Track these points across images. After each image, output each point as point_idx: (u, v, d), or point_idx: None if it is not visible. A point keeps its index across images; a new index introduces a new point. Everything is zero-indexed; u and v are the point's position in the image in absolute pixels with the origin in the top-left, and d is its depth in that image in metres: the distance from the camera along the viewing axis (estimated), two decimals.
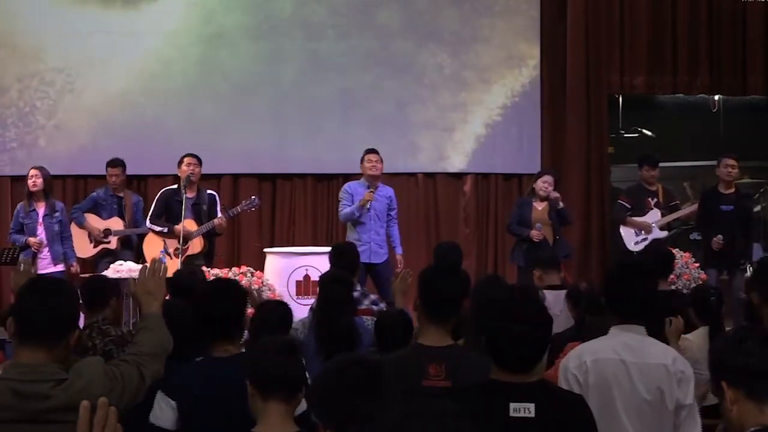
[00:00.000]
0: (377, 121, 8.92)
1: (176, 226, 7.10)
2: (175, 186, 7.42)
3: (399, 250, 7.41)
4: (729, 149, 7.99)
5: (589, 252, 9.11)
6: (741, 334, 2.12)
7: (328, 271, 4.81)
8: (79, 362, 2.53)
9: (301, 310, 5.12)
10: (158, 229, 7.29)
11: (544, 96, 9.26)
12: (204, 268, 6.46)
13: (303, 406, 2.62)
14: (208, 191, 7.52)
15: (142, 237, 7.55)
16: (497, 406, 2.47)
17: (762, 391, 2.02)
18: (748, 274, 8.39)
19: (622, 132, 10.03)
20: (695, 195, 8.71)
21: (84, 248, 7.63)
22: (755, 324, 3.87)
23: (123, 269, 6.77)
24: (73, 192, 8.62)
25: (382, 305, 5.04)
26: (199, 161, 7.34)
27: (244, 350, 3.20)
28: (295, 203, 8.98)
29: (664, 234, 7.83)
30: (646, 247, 7.34)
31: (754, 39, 9.42)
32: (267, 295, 6.68)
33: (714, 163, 7.74)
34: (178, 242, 7.02)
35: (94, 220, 7.61)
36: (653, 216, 7.84)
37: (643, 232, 7.82)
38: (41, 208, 7.33)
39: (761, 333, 2.10)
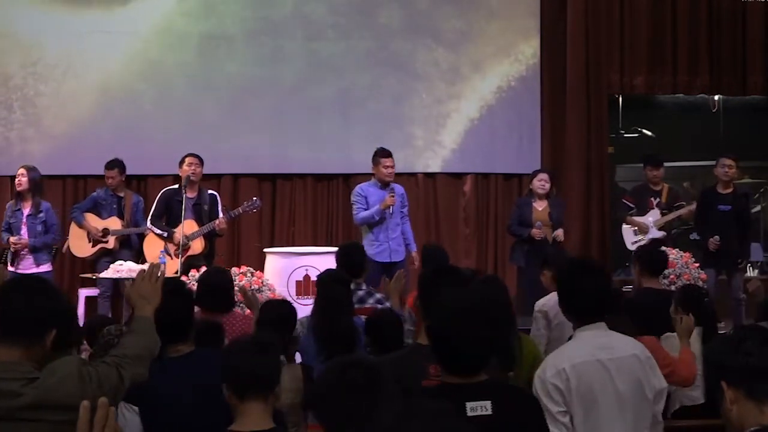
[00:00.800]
0: (377, 121, 8.92)
1: (176, 234, 7.11)
2: (176, 186, 7.42)
3: (413, 248, 7.34)
4: (729, 149, 7.99)
5: (589, 252, 9.11)
6: (740, 334, 2.12)
7: (326, 271, 4.81)
8: (55, 361, 2.52)
9: (301, 310, 5.11)
10: (158, 231, 7.29)
11: (544, 96, 9.27)
12: (204, 268, 6.45)
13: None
14: (209, 191, 7.52)
15: (142, 237, 7.54)
16: (454, 407, 2.50)
17: (762, 391, 2.02)
18: (748, 274, 8.42)
19: (622, 132, 10.03)
20: (696, 195, 8.70)
21: (83, 248, 7.63)
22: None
23: (123, 269, 6.76)
24: (73, 192, 8.62)
25: (388, 304, 5.03)
26: (201, 161, 7.34)
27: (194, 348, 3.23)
28: (295, 203, 8.98)
29: (661, 234, 7.83)
30: (639, 246, 7.34)
31: (754, 39, 9.43)
32: (267, 295, 6.68)
33: (714, 163, 7.74)
34: (178, 243, 7.04)
35: (93, 220, 7.60)
36: (653, 216, 7.85)
37: (640, 232, 7.83)
38: (26, 208, 7.33)
39: (761, 333, 2.10)
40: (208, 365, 3.00)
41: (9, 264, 7.08)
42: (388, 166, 7.25)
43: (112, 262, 7.02)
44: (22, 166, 7.41)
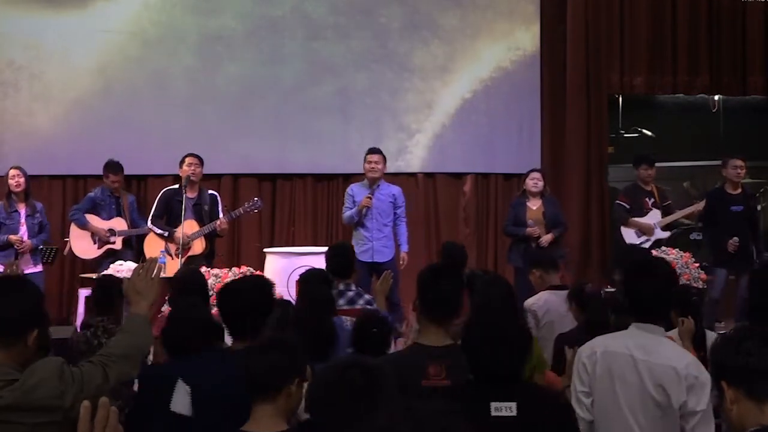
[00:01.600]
0: (377, 121, 8.92)
1: (176, 233, 7.10)
2: (176, 186, 7.42)
3: (404, 248, 7.37)
4: (729, 149, 7.98)
5: (589, 252, 9.11)
6: (741, 334, 2.12)
7: (308, 270, 4.79)
8: (37, 362, 2.51)
9: None
10: (159, 231, 7.29)
11: (544, 96, 9.27)
12: (204, 269, 6.45)
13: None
14: (210, 191, 7.52)
15: (141, 237, 7.53)
16: (479, 406, 2.51)
17: (762, 391, 2.03)
18: None
19: (622, 132, 10.03)
20: (698, 195, 8.68)
21: (87, 249, 7.58)
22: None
23: (123, 269, 6.75)
24: (73, 192, 8.61)
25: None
26: (201, 161, 7.34)
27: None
28: (295, 203, 8.99)
29: (666, 234, 7.81)
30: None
31: (754, 39, 9.43)
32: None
33: (714, 163, 7.73)
34: (179, 243, 7.04)
35: (95, 221, 7.58)
36: (654, 216, 7.79)
37: (644, 234, 7.78)
38: (23, 209, 7.31)
39: (761, 333, 2.10)
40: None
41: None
42: (370, 162, 7.31)
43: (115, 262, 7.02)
44: (13, 167, 7.34)
